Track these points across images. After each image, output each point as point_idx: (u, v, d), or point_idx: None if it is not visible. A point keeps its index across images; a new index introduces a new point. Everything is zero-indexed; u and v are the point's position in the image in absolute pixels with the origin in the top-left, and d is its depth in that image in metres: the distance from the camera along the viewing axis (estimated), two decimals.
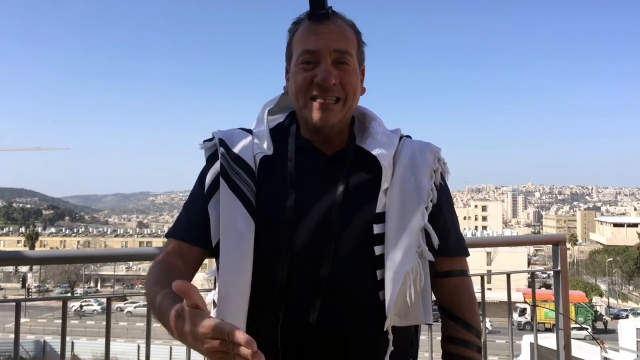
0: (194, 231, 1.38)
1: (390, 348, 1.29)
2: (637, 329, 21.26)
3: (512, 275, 2.76)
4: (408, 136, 1.51)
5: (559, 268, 2.74)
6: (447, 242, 1.39)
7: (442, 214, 1.41)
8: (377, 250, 1.31)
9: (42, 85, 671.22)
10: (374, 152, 1.36)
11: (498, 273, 2.78)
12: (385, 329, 1.28)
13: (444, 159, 1.48)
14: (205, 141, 1.47)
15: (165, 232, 1.45)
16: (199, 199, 1.40)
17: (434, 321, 1.39)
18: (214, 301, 1.47)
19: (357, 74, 1.39)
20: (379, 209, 1.33)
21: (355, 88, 1.38)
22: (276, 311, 1.27)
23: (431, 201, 1.37)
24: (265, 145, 1.41)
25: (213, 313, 1.46)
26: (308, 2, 1.34)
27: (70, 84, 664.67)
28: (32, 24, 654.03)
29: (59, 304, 2.19)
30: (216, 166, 1.39)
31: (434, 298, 1.44)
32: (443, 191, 1.43)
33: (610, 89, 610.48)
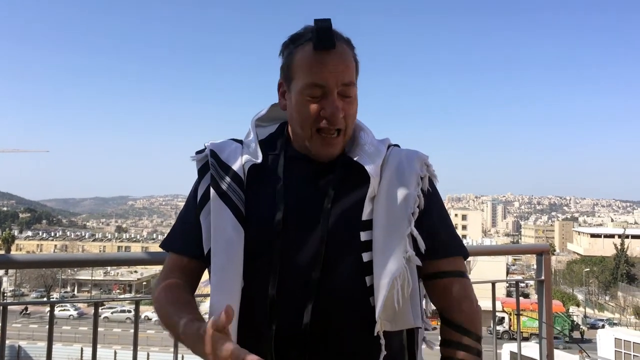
0: (191, 245, 1.41)
1: (383, 353, 1.28)
2: (615, 338, 21.57)
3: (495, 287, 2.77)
4: (396, 145, 1.53)
5: (543, 277, 2.74)
6: (433, 244, 1.38)
7: (431, 218, 1.41)
8: (365, 257, 1.32)
9: (21, 87, 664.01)
10: (362, 162, 1.38)
11: (483, 282, 2.78)
12: (376, 334, 1.26)
13: (432, 165, 1.48)
14: (197, 152, 1.49)
15: (161, 242, 1.49)
16: (193, 211, 1.42)
17: (433, 328, 1.41)
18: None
19: (357, 101, 1.41)
20: (365, 217, 1.34)
21: (354, 117, 1.42)
22: (268, 320, 1.27)
23: (418, 207, 1.37)
24: (254, 155, 1.43)
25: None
26: (314, 29, 1.32)
27: (50, 86, 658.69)
28: (11, 23, 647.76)
29: (35, 308, 2.15)
30: (207, 177, 1.42)
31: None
32: (431, 196, 1.43)
33: (589, 100, 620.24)
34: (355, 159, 1.40)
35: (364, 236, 1.33)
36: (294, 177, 1.40)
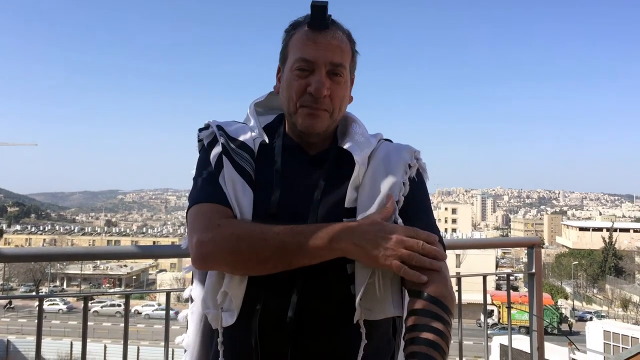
0: (225, 198, 1.35)
1: (364, 341, 1.28)
2: (604, 330, 21.81)
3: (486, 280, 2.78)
4: (388, 140, 1.56)
5: (534, 270, 2.75)
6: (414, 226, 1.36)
7: (414, 203, 1.41)
8: None
9: (8, 80, 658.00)
10: (351, 150, 1.40)
11: (473, 275, 2.79)
12: (355, 322, 1.27)
13: (422, 159, 1.50)
14: (201, 129, 1.50)
15: (195, 198, 1.36)
16: (211, 172, 1.39)
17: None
18: (190, 297, 1.50)
19: (347, 86, 1.44)
20: (347, 204, 1.35)
21: (343, 100, 1.43)
22: (255, 302, 1.28)
23: (403, 195, 1.38)
24: (260, 135, 1.47)
25: (191, 307, 1.49)
26: (310, 9, 1.35)
27: (38, 78, 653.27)
28: None
29: (23, 303, 2.14)
30: (217, 148, 1.41)
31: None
32: (416, 185, 1.44)
33: (577, 95, 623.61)
34: (345, 147, 1.41)
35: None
36: (289, 165, 1.41)
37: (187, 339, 1.48)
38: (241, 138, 1.44)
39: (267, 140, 1.46)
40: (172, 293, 2.54)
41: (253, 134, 1.47)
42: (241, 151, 1.41)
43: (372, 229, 1.24)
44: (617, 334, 21.43)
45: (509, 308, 2.77)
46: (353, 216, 1.34)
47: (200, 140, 1.49)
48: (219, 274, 1.32)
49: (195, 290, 1.47)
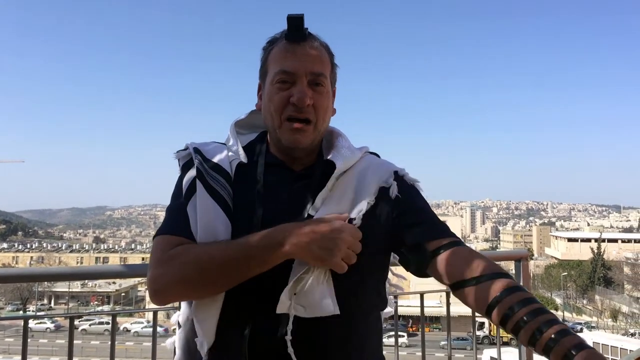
0: (187, 228, 1.33)
1: (289, 337, 1.22)
2: (593, 342, 22.00)
3: None
4: (375, 154, 1.56)
5: (522, 283, 2.77)
6: (434, 227, 1.39)
7: (417, 209, 1.42)
8: None
9: None
10: (334, 159, 1.39)
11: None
12: (278, 312, 1.24)
13: (412, 177, 1.51)
14: (179, 151, 1.48)
15: (158, 230, 1.36)
16: (179, 200, 1.39)
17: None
18: (178, 322, 1.47)
19: (329, 96, 1.44)
20: (311, 211, 1.33)
21: (326, 110, 1.43)
22: (244, 323, 1.26)
23: (362, 214, 1.34)
24: (239, 155, 1.45)
25: (178, 333, 1.46)
26: (286, 22, 1.36)
27: (25, 94, 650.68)
28: None
29: (10, 322, 2.13)
30: (192, 172, 1.39)
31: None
32: (410, 197, 1.45)
33: (565, 106, 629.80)
34: (328, 157, 1.41)
35: None
36: (273, 184, 1.39)
37: None
38: (217, 160, 1.42)
39: (245, 161, 1.44)
40: (174, 318, 2.53)
41: (230, 154, 1.45)
42: (216, 174, 1.38)
43: (318, 229, 1.22)
44: (607, 346, 21.63)
45: (473, 321, 2.77)
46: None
47: (178, 161, 1.48)
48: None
49: (182, 316, 1.45)
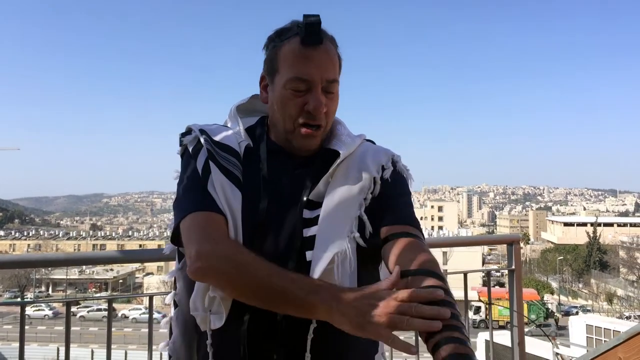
0: (216, 205, 1.35)
1: (314, 325, 1.26)
2: (586, 325, 22.21)
3: (467, 274, 2.83)
4: (371, 141, 1.59)
5: (514, 267, 2.81)
6: (395, 214, 1.40)
7: (394, 196, 1.44)
8: (307, 232, 1.34)
9: None
10: (336, 147, 1.44)
11: (455, 272, 2.84)
12: None
13: (404, 164, 1.55)
14: (184, 135, 1.49)
15: (187, 208, 1.35)
16: (199, 180, 1.38)
17: None
18: (174, 301, 1.50)
19: (338, 98, 1.45)
20: (313, 197, 1.38)
21: (335, 112, 1.46)
22: (244, 309, 1.29)
23: (371, 193, 1.41)
24: (244, 137, 1.48)
25: (173, 313, 1.49)
26: (303, 24, 1.34)
27: (19, 82, 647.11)
28: None
29: (9, 309, 2.15)
30: (203, 153, 1.41)
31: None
32: (396, 183, 1.47)
33: (560, 91, 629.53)
34: (331, 146, 1.45)
35: (308, 214, 1.36)
36: (276, 170, 1.43)
37: (173, 345, 1.49)
38: (226, 142, 1.45)
39: (252, 145, 1.47)
40: (158, 296, 2.56)
41: (238, 137, 1.48)
42: (227, 155, 1.42)
43: (361, 295, 1.09)
44: (600, 328, 21.85)
45: (490, 304, 2.83)
46: (315, 208, 1.36)
47: (182, 145, 1.48)
48: None
49: (179, 295, 1.47)
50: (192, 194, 1.38)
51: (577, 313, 45.37)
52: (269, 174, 1.41)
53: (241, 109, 1.57)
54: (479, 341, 19.79)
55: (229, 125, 1.54)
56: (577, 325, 23.41)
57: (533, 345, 16.78)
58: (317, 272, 1.27)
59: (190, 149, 1.45)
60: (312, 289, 1.14)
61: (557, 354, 14.69)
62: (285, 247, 1.33)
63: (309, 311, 1.15)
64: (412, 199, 1.51)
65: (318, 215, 1.35)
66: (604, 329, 21.48)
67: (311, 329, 1.27)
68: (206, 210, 1.33)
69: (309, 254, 1.31)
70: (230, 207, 1.34)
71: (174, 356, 1.49)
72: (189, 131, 1.49)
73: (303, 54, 1.36)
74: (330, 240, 1.31)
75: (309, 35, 1.34)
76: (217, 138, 1.45)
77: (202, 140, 1.43)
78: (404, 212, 1.42)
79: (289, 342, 1.28)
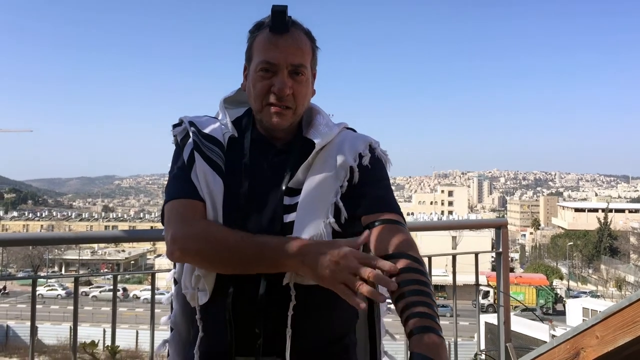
0: (197, 193, 1.47)
1: (293, 302, 1.39)
2: (582, 308, 22.27)
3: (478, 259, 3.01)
4: (352, 129, 1.68)
5: (501, 250, 2.93)
6: (376, 201, 1.49)
7: (373, 184, 1.53)
8: (287, 218, 1.45)
9: (3, 66, 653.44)
10: (312, 137, 1.54)
11: (443, 254, 2.97)
12: (284, 284, 1.39)
13: (383, 149, 1.63)
14: (174, 126, 1.62)
15: (170, 194, 1.49)
16: (184, 169, 1.51)
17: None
18: (174, 279, 1.63)
19: (308, 84, 1.55)
20: (292, 185, 1.48)
21: (305, 97, 1.55)
22: (228, 284, 1.42)
23: (348, 181, 1.50)
24: (229, 129, 1.59)
25: (173, 290, 1.63)
26: (270, 13, 1.46)
27: (32, 64, 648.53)
28: None
29: (22, 288, 2.29)
30: (189, 144, 1.53)
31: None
32: (374, 170, 1.55)
33: (572, 78, 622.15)
34: (309, 137, 1.55)
35: (287, 200, 1.47)
36: (257, 158, 1.54)
37: (174, 318, 1.63)
38: (212, 132, 1.56)
39: (236, 135, 1.58)
40: (167, 277, 2.69)
41: (223, 127, 1.60)
42: (211, 145, 1.53)
43: (326, 250, 1.26)
44: (595, 311, 21.96)
45: (477, 286, 2.95)
46: (294, 195, 1.47)
47: (174, 136, 1.61)
48: None
49: (178, 273, 1.59)
50: (177, 182, 1.52)
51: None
52: (250, 162, 1.52)
53: (229, 100, 1.68)
54: (481, 323, 20.00)
55: (219, 117, 1.65)
56: (574, 308, 23.64)
57: (531, 327, 16.95)
58: None
59: (179, 140, 1.58)
60: (281, 248, 1.32)
61: (553, 335, 14.88)
62: (266, 231, 1.42)
63: (282, 267, 1.34)
64: (389, 183, 1.61)
65: (297, 202, 1.46)
66: (600, 311, 21.63)
67: (291, 306, 1.40)
68: (186, 198, 1.47)
69: None
70: (210, 193, 1.46)
71: (175, 329, 1.63)
72: (180, 123, 1.62)
73: (270, 40, 1.47)
74: (307, 226, 1.42)
75: (275, 23, 1.46)
76: (204, 129, 1.57)
77: (190, 132, 1.55)
78: (382, 198, 1.52)
79: (271, 318, 1.40)
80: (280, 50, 1.47)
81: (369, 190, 1.51)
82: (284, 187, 1.48)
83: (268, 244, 1.35)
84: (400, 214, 1.51)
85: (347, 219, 1.48)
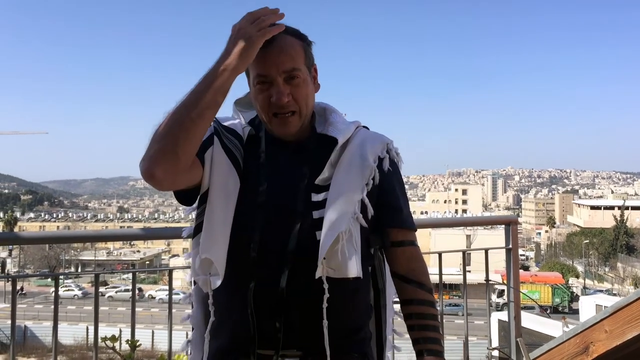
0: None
1: (326, 295, 1.44)
2: (596, 304, 22.11)
3: (491, 257, 3.03)
4: (365, 127, 1.72)
5: (510, 246, 2.95)
6: (400, 216, 1.60)
7: (395, 192, 1.61)
8: (317, 214, 1.49)
9: (19, 68, 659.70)
10: (332, 134, 1.57)
11: (451, 251, 3.00)
12: (317, 277, 1.43)
13: (397, 148, 1.69)
14: None
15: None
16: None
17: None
18: (193, 280, 1.63)
19: (307, 83, 1.56)
20: (319, 182, 1.52)
21: (307, 97, 1.56)
22: (248, 280, 1.46)
23: (372, 179, 1.56)
24: (248, 126, 1.63)
25: (192, 289, 1.66)
26: None
27: (48, 67, 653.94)
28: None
29: (39, 289, 2.38)
30: (210, 128, 1.55)
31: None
32: (393, 175, 1.62)
33: (587, 75, 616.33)
34: (327, 133, 1.58)
35: (315, 197, 1.51)
36: (273, 156, 1.57)
37: (194, 320, 1.65)
38: (231, 126, 1.60)
39: (254, 132, 1.61)
40: (183, 279, 2.75)
41: (242, 124, 1.63)
42: (231, 136, 1.56)
43: (235, 26, 1.42)
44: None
45: (487, 281, 2.98)
46: (323, 192, 1.51)
47: None
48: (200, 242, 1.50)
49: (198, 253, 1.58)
50: None
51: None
52: (267, 159, 1.56)
53: (240, 102, 1.70)
54: (493, 320, 19.96)
55: (234, 119, 1.68)
56: (586, 305, 23.55)
57: (546, 325, 16.87)
58: (325, 249, 1.43)
59: None
60: (214, 67, 1.39)
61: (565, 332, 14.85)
62: (294, 228, 1.46)
63: (223, 72, 1.37)
64: (404, 187, 1.68)
65: (324, 199, 1.50)
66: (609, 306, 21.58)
67: (324, 299, 1.44)
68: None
69: (318, 234, 1.45)
70: (222, 182, 1.50)
71: (196, 328, 1.65)
72: None
73: (260, 54, 1.45)
74: (336, 221, 1.46)
75: None
76: (225, 123, 1.60)
77: (212, 123, 1.55)
78: (403, 213, 1.62)
79: (291, 311, 1.44)
80: (270, 60, 1.49)
81: (392, 200, 1.61)
82: (313, 183, 1.52)
83: (202, 77, 1.39)
84: (415, 229, 1.65)
85: (372, 215, 1.56)
